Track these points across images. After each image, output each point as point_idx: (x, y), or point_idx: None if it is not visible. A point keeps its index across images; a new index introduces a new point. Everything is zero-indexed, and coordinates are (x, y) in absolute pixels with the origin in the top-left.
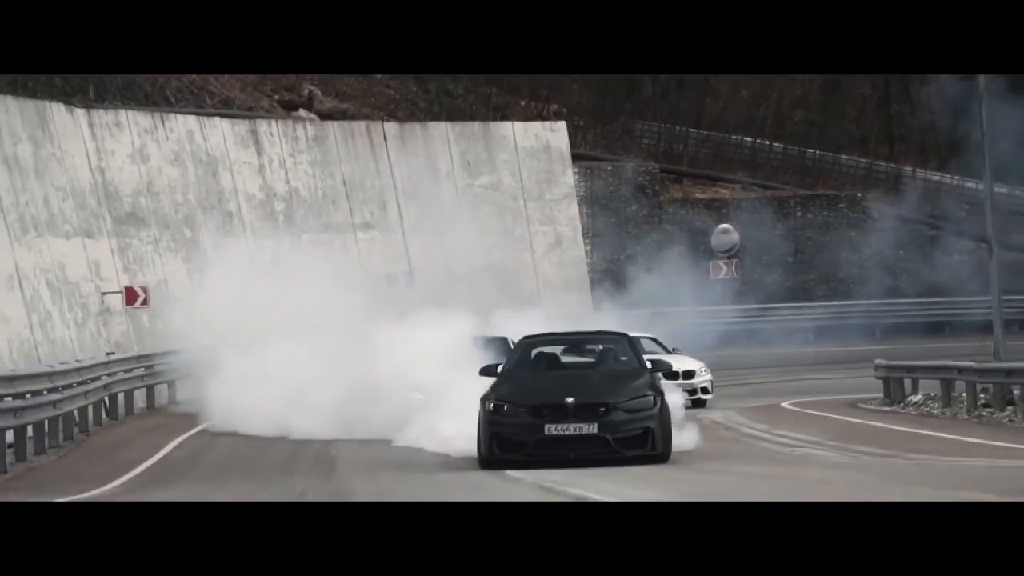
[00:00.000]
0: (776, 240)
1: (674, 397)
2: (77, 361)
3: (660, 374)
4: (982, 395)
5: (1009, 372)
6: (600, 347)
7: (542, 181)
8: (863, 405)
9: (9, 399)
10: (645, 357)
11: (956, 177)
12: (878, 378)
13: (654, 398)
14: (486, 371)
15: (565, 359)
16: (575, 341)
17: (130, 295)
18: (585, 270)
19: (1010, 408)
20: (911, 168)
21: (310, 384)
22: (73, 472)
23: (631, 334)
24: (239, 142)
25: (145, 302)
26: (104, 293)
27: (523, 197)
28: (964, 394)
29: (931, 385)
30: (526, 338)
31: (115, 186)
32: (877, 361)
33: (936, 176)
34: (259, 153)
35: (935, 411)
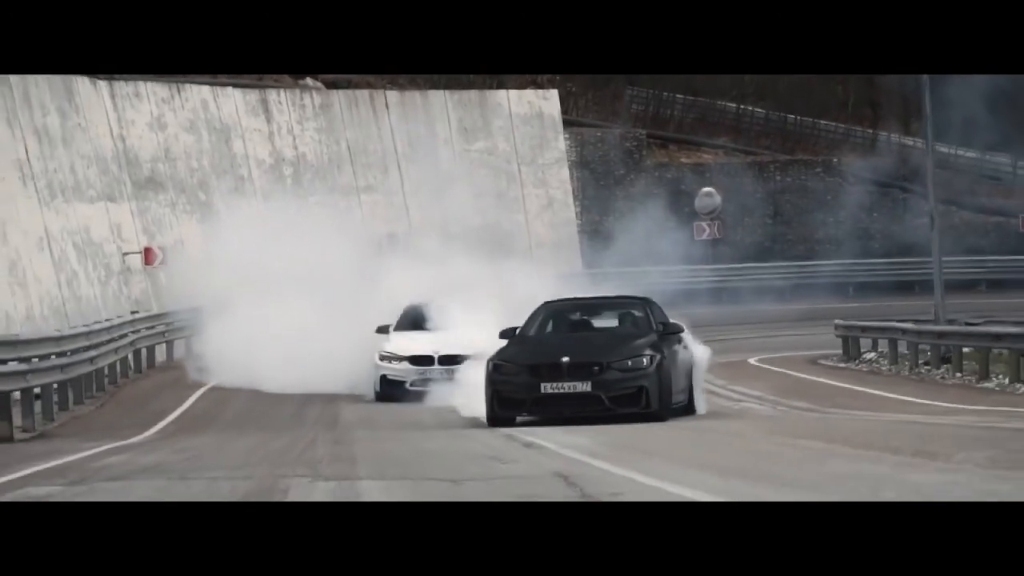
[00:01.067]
0: (756, 203)
1: (698, 355)
2: (107, 320)
3: (682, 336)
4: (924, 354)
5: (941, 334)
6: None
7: (535, 146)
8: (823, 361)
9: (54, 357)
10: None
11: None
12: (837, 336)
13: (651, 358)
14: (504, 334)
15: (595, 323)
16: (594, 305)
17: (149, 255)
18: (575, 230)
19: (945, 366)
20: (887, 133)
21: (315, 340)
22: (112, 421)
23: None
24: (250, 110)
25: (163, 261)
26: (125, 253)
27: (517, 161)
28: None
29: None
30: (547, 303)
31: (135, 153)
32: (836, 321)
33: (909, 141)
34: (269, 120)
35: (883, 368)
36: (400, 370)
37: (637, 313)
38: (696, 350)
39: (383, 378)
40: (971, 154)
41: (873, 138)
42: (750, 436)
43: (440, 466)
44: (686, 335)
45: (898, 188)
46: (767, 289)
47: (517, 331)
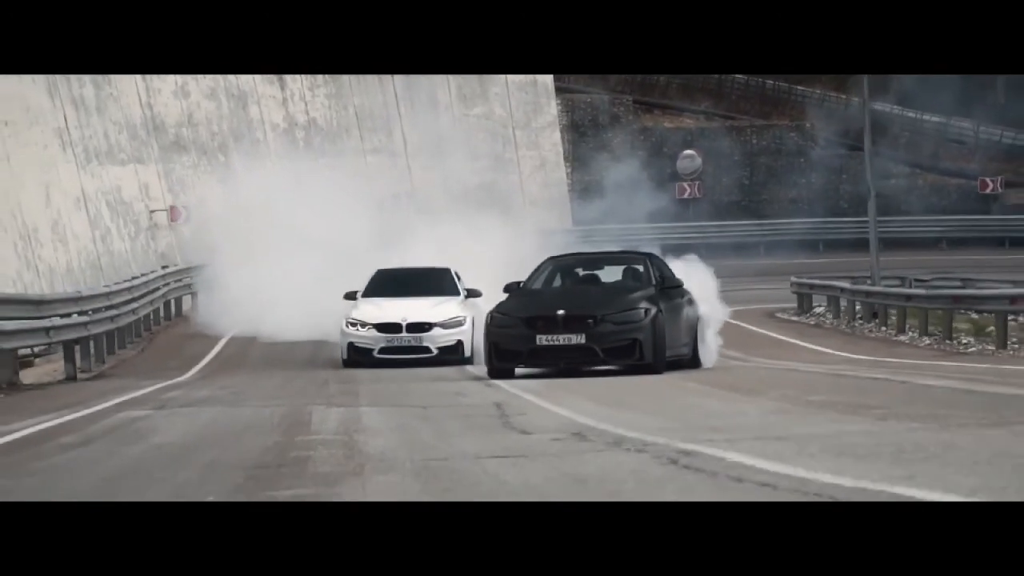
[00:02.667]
0: (733, 164)
1: (708, 311)
2: (143, 276)
3: (685, 291)
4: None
5: (869, 293)
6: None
7: (528, 111)
8: (780, 315)
9: (104, 310)
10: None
11: (896, 107)
12: (792, 292)
13: (646, 311)
14: (508, 288)
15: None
16: (597, 260)
17: (173, 213)
18: (565, 190)
19: (875, 321)
20: (857, 99)
21: (324, 291)
22: (156, 364)
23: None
24: (265, 79)
25: (186, 218)
26: (152, 211)
27: (512, 125)
28: (849, 307)
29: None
30: (551, 257)
31: (161, 119)
32: (791, 278)
33: (878, 106)
34: (282, 88)
35: (827, 322)
36: (367, 337)
37: (639, 268)
38: (706, 306)
39: (350, 345)
40: (936, 119)
41: (846, 103)
42: (672, 384)
43: (418, 398)
44: (691, 290)
45: (863, 151)
46: (742, 245)
47: (520, 284)
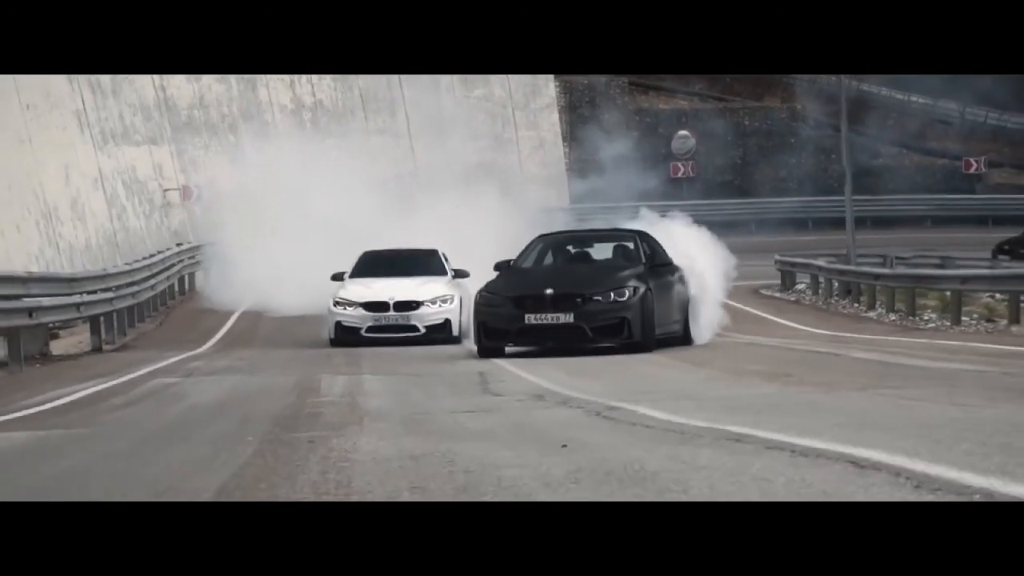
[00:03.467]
0: (726, 145)
1: (699, 289)
2: (160, 253)
3: (676, 269)
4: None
5: (842, 272)
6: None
7: (528, 93)
8: (764, 291)
9: (126, 287)
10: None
11: (883, 88)
12: (777, 270)
13: (634, 290)
14: (498, 266)
15: (588, 256)
16: (588, 238)
17: (186, 192)
18: (563, 169)
19: (848, 297)
20: (848, 80)
21: (328, 268)
22: (174, 337)
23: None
24: None
25: (198, 197)
26: (166, 190)
27: (511, 106)
28: (827, 285)
29: None
30: (542, 235)
31: (174, 101)
32: (776, 256)
33: (866, 87)
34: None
35: (806, 298)
36: (355, 316)
37: (629, 246)
38: (699, 283)
39: (338, 324)
40: (923, 100)
41: (836, 84)
42: (648, 359)
43: (412, 368)
44: (683, 269)
45: (854, 132)
46: (734, 223)
47: (511, 263)
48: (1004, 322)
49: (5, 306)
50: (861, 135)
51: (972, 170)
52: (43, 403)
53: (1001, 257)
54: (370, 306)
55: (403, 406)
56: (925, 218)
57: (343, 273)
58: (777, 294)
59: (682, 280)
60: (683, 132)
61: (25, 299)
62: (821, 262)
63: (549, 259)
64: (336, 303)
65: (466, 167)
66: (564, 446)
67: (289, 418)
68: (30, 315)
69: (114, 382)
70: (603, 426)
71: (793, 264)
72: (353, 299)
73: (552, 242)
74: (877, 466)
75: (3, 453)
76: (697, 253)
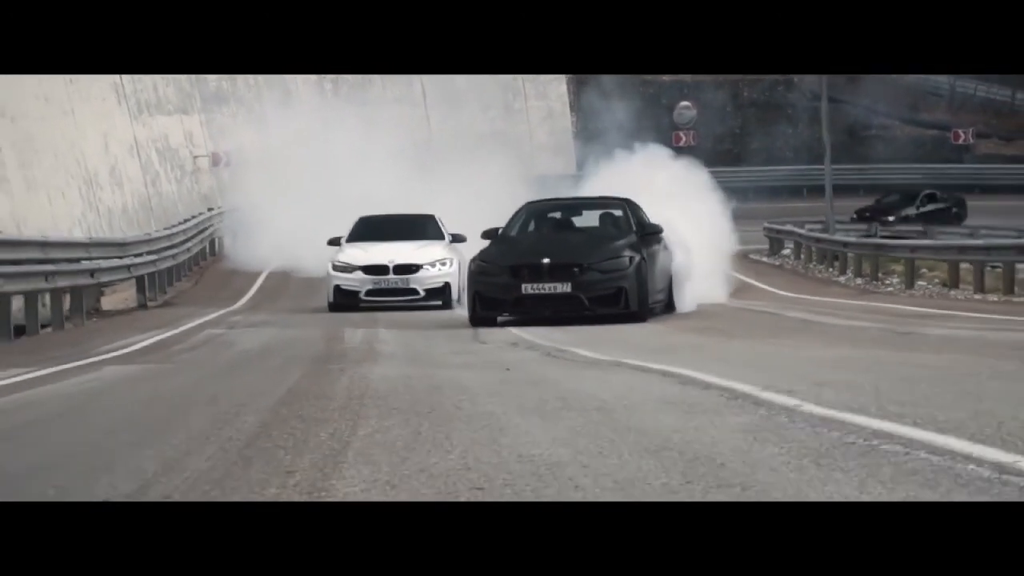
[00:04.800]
0: (726, 115)
1: (686, 253)
2: (193, 217)
3: (661, 237)
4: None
5: (818, 239)
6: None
7: None
8: (752, 256)
9: (167, 249)
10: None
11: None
12: (765, 236)
13: (630, 259)
14: (487, 234)
15: (575, 224)
16: (575, 206)
17: (215, 158)
18: (570, 138)
19: (824, 263)
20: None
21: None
22: (210, 295)
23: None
24: None
25: (226, 163)
26: (196, 157)
27: (521, 78)
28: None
29: None
30: (529, 203)
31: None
32: (764, 224)
33: None
34: None
35: (788, 264)
36: (354, 280)
37: (617, 213)
38: (677, 252)
39: (337, 288)
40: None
41: None
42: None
43: (421, 324)
44: (665, 236)
45: (849, 104)
46: (733, 190)
47: (499, 231)
48: (946, 288)
49: (70, 268)
50: (855, 107)
51: (960, 141)
52: (121, 348)
53: (860, 223)
54: (369, 269)
55: (409, 350)
56: (917, 186)
57: (339, 238)
58: (764, 259)
59: (666, 248)
60: (685, 103)
61: (84, 261)
62: (803, 230)
63: (537, 227)
64: (335, 267)
65: (479, 136)
66: (507, 370)
67: (321, 358)
68: (91, 275)
69: (170, 333)
70: (546, 361)
71: (779, 231)
72: (352, 263)
73: (540, 209)
74: (703, 384)
75: (118, 379)
76: (688, 211)
